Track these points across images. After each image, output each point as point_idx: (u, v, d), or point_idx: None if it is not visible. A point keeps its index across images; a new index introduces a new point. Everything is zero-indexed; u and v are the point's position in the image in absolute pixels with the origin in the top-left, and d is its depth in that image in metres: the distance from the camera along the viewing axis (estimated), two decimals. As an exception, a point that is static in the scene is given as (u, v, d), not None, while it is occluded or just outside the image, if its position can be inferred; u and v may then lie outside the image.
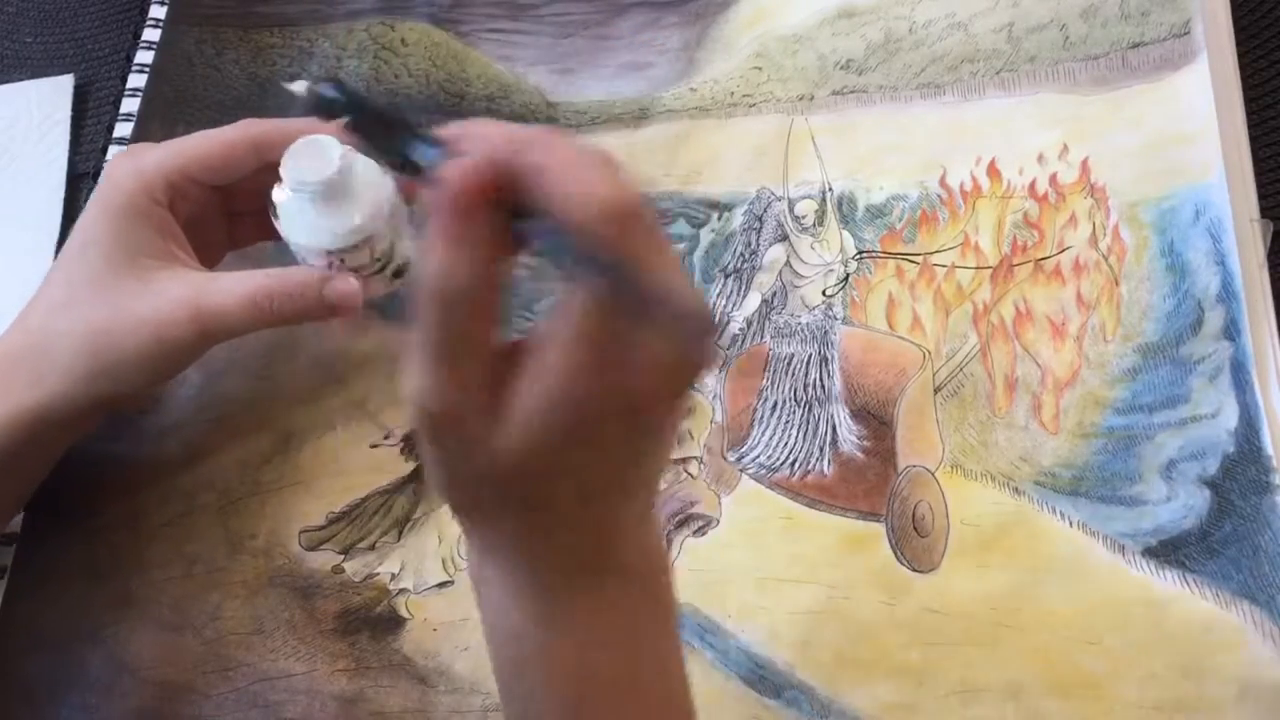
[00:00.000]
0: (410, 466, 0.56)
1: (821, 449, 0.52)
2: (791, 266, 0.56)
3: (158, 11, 0.69)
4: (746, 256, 0.56)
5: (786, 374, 0.54)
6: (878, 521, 0.50)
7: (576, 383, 0.31)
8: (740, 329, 0.55)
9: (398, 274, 0.52)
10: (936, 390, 0.52)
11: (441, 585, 0.53)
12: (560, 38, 0.63)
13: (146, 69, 0.68)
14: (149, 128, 0.65)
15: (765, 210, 0.57)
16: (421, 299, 0.32)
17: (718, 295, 0.56)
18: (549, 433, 0.32)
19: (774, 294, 0.55)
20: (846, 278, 0.55)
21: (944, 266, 0.54)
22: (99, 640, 0.54)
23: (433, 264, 0.31)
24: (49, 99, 0.68)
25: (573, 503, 0.34)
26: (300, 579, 0.54)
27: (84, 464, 0.58)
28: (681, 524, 0.52)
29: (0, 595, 0.56)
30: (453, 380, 0.32)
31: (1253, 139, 0.52)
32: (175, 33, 0.68)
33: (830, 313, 0.54)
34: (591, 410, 0.32)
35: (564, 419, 0.32)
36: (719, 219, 0.57)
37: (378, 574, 0.54)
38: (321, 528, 0.55)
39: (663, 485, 0.53)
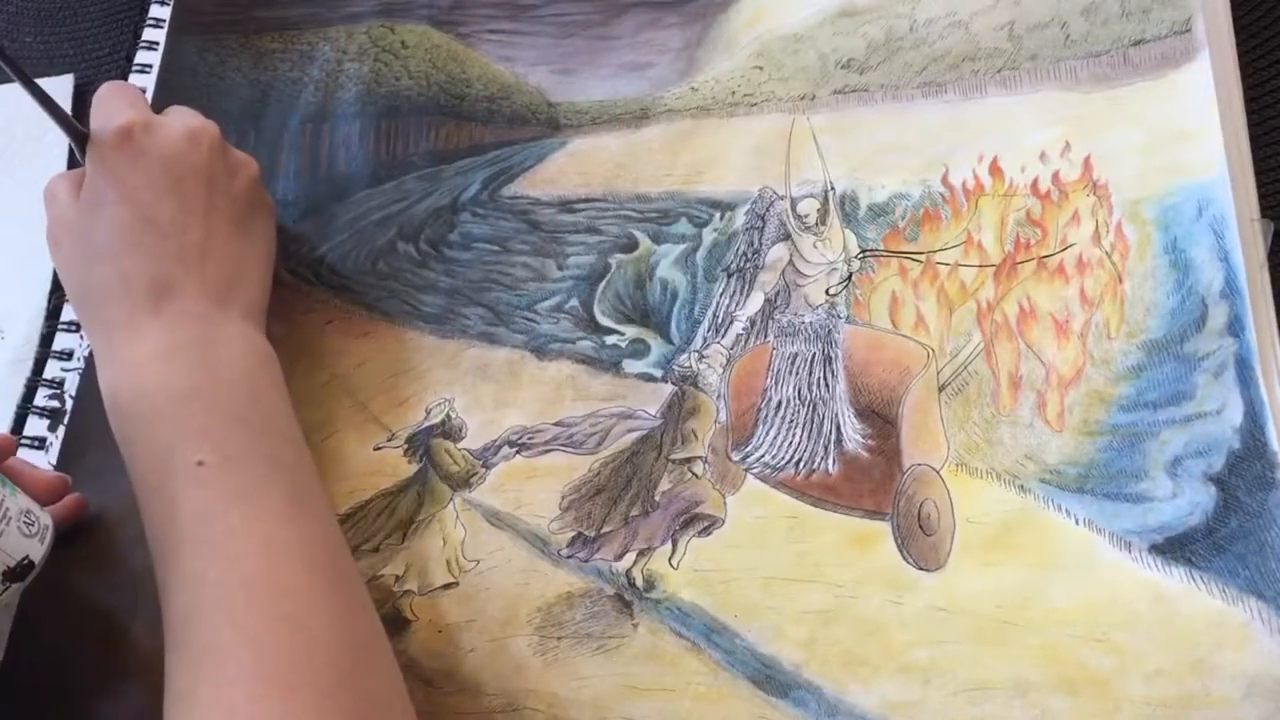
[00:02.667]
0: (414, 468, 0.56)
1: (826, 448, 0.52)
2: (794, 265, 0.56)
3: (158, 11, 0.69)
4: (749, 256, 0.56)
5: (790, 373, 0.54)
6: (883, 520, 0.50)
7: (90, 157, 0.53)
8: (744, 328, 0.55)
9: (13, 576, 0.50)
10: (941, 388, 0.51)
11: (446, 587, 0.53)
12: (561, 38, 0.63)
13: (147, 69, 0.68)
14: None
15: (768, 209, 0.57)
16: None
17: (721, 295, 0.56)
18: (87, 198, 0.52)
19: (777, 293, 0.55)
20: (850, 276, 0.55)
21: (947, 265, 0.54)
22: (105, 645, 0.54)
23: None
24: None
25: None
26: (304, 582, 0.54)
27: (90, 472, 0.58)
28: (687, 524, 0.52)
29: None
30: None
31: (1253, 139, 0.52)
32: (178, 44, 0.68)
33: (834, 311, 0.54)
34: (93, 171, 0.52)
35: (96, 184, 0.52)
36: (721, 218, 0.57)
37: (382, 576, 0.54)
38: (325, 530, 0.55)
39: (668, 485, 0.53)
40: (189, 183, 0.53)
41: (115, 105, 0.54)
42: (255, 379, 0.51)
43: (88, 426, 0.59)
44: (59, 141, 0.66)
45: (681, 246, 0.57)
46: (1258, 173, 0.51)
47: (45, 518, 0.52)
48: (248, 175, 0.57)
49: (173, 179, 0.52)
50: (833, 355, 0.53)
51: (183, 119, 0.55)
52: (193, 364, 0.49)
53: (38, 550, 0.50)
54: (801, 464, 0.52)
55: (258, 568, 0.43)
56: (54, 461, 0.59)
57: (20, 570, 0.49)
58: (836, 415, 0.52)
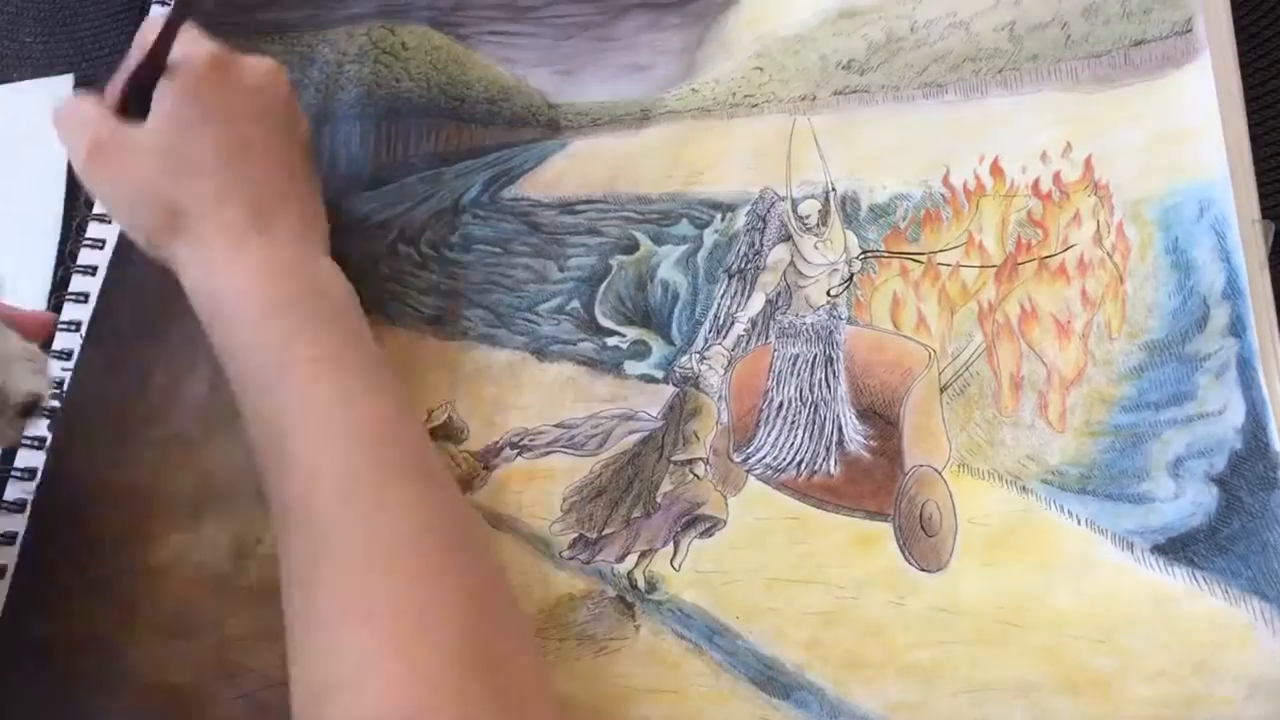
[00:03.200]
0: (415, 470, 0.55)
1: (828, 449, 0.52)
2: (795, 267, 0.56)
3: (158, 12, 0.69)
4: (750, 257, 0.56)
5: (792, 374, 0.54)
6: (885, 521, 0.50)
7: (165, 86, 0.54)
8: (745, 330, 0.55)
9: (25, 412, 0.50)
10: (942, 389, 0.51)
11: (448, 589, 0.53)
12: (561, 39, 0.63)
13: (146, 71, 0.67)
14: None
15: (769, 210, 0.57)
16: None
17: (722, 296, 0.56)
18: (163, 111, 0.53)
19: (778, 294, 0.55)
20: (851, 277, 0.55)
21: (948, 265, 0.54)
22: (102, 645, 0.54)
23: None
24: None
25: (211, 170, 0.53)
26: (306, 584, 0.54)
27: (88, 469, 0.58)
28: (688, 525, 0.52)
29: (2, 597, 0.56)
30: (96, 115, 0.54)
31: (1253, 139, 0.52)
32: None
33: (835, 313, 0.54)
34: (179, 92, 0.53)
35: (167, 100, 0.53)
36: (722, 219, 0.57)
37: (383, 578, 0.53)
38: (326, 532, 0.55)
39: (669, 486, 0.53)
40: (273, 118, 0.56)
41: (197, 37, 0.55)
42: (350, 305, 0.53)
43: (82, 420, 0.59)
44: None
45: (682, 248, 0.57)
46: (1259, 173, 0.51)
47: (43, 355, 0.53)
48: (307, 124, 0.59)
49: (260, 110, 0.55)
50: (834, 356, 0.53)
51: (259, 58, 0.57)
52: (299, 278, 0.52)
53: (43, 386, 0.51)
54: (803, 465, 0.52)
55: (368, 456, 0.47)
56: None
57: (30, 405, 0.50)
58: (838, 416, 0.52)
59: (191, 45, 0.55)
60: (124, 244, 0.63)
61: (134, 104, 0.54)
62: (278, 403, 0.48)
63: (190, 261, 0.53)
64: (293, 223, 0.54)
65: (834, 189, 0.56)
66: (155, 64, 0.54)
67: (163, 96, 0.53)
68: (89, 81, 0.70)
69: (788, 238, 0.56)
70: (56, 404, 0.60)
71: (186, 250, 0.53)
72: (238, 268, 0.51)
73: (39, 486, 0.59)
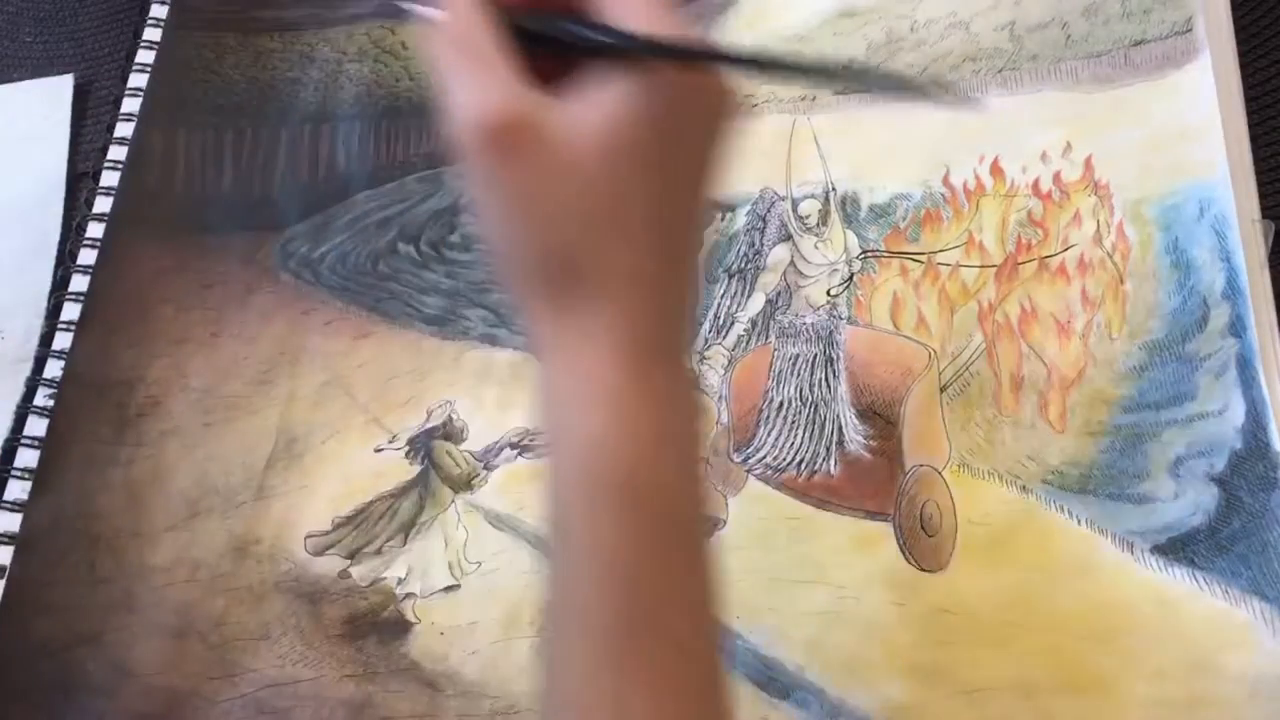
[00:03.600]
0: (416, 470, 0.55)
1: (828, 449, 0.52)
2: (796, 266, 0.56)
3: (158, 11, 0.69)
4: (750, 257, 0.56)
5: (792, 374, 0.53)
6: (885, 521, 0.50)
7: (649, 83, 0.33)
8: (745, 329, 0.55)
9: None
10: (942, 389, 0.51)
11: (448, 589, 0.53)
12: (561, 39, 0.63)
13: (147, 69, 0.67)
14: (149, 131, 0.65)
15: (769, 210, 0.57)
16: (432, 35, 0.34)
17: (722, 296, 0.56)
18: (628, 115, 0.33)
19: (778, 294, 0.55)
20: (851, 277, 0.55)
21: (948, 265, 0.54)
22: (101, 644, 0.54)
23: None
24: (49, 99, 0.68)
25: (648, 229, 0.34)
26: (306, 584, 0.54)
27: (87, 468, 0.58)
28: (689, 525, 0.52)
29: (0, 596, 0.56)
30: (496, 75, 0.33)
31: (1253, 139, 0.52)
32: (175, 38, 0.68)
33: (835, 312, 0.54)
34: (663, 107, 0.33)
35: (641, 104, 0.33)
36: (723, 219, 0.57)
37: (384, 578, 0.53)
38: (327, 532, 0.55)
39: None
40: (709, 180, 0.37)
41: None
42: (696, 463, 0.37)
43: (75, 413, 0.59)
44: (59, 141, 0.66)
45: (683, 247, 0.57)
46: (1258, 173, 0.51)
47: None
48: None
49: (704, 163, 0.36)
50: (834, 356, 0.53)
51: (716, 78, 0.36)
52: (696, 451, 0.37)
53: None
54: (803, 465, 0.52)
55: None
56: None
57: None
58: (838, 416, 0.52)
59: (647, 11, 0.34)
60: (119, 234, 0.63)
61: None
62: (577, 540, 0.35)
63: (556, 372, 0.35)
64: (687, 335, 0.38)
65: (834, 189, 0.56)
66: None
67: (614, 88, 0.33)
68: (89, 82, 0.69)
69: (788, 237, 0.56)
70: (52, 402, 0.60)
71: (555, 345, 0.35)
72: (622, 394, 0.34)
73: (34, 484, 0.58)
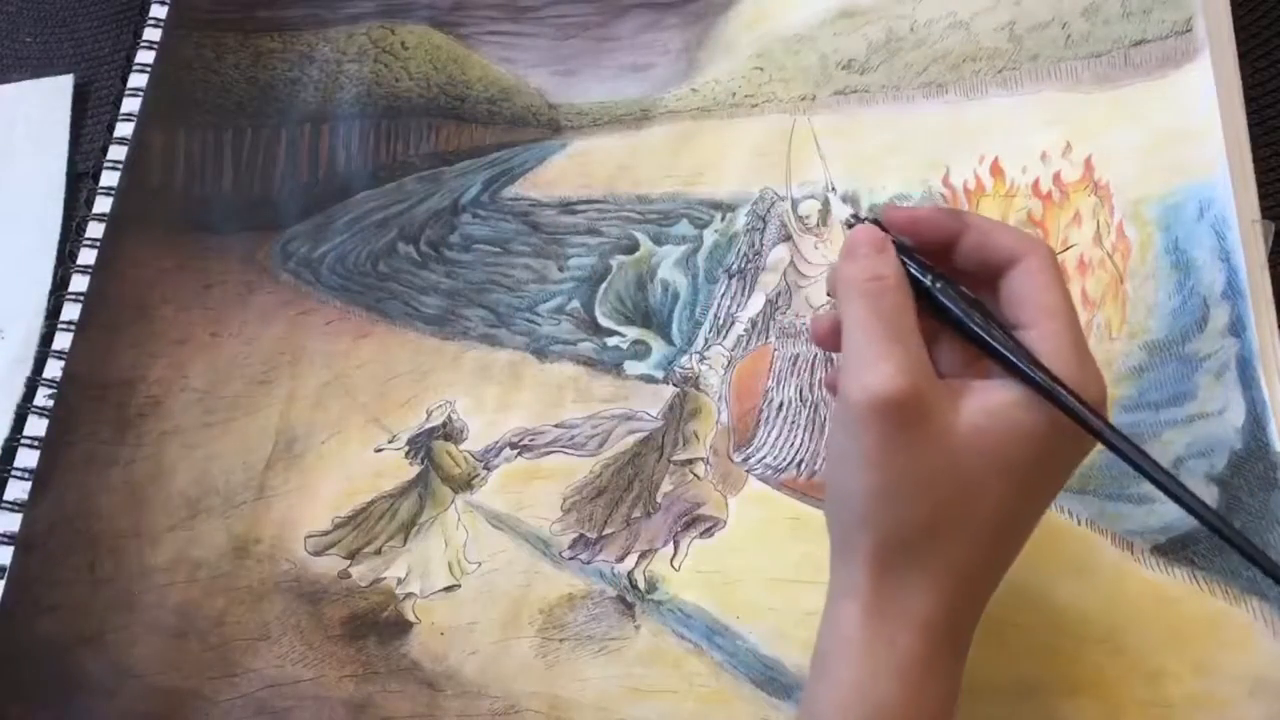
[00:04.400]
0: (416, 470, 0.55)
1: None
2: (796, 267, 0.56)
3: (158, 11, 0.69)
4: (750, 257, 0.56)
5: (792, 374, 0.54)
6: (885, 521, 0.50)
7: (1039, 402, 0.35)
8: (745, 330, 0.55)
9: None
10: (943, 389, 0.51)
11: (448, 589, 0.53)
12: (561, 39, 0.63)
13: (147, 69, 0.67)
14: (149, 131, 0.65)
15: (769, 210, 0.57)
16: (858, 292, 0.37)
17: (722, 296, 0.56)
18: (1010, 426, 0.35)
19: (779, 294, 0.55)
20: (851, 277, 0.55)
21: (948, 266, 0.54)
22: (102, 645, 0.54)
23: (860, 262, 0.38)
24: (49, 99, 0.68)
25: (990, 531, 0.36)
26: (306, 584, 0.54)
27: (87, 468, 0.58)
28: (689, 526, 0.52)
29: (0, 596, 0.56)
30: (910, 355, 0.36)
31: (1253, 139, 0.52)
32: (174, 37, 0.68)
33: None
34: (1045, 428, 0.35)
35: (1026, 421, 0.35)
36: (722, 220, 0.57)
37: (384, 578, 0.54)
38: (327, 532, 0.55)
39: (669, 486, 0.53)
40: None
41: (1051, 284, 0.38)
42: None
43: (75, 413, 0.59)
44: (59, 141, 0.66)
45: (682, 248, 0.57)
46: (1258, 173, 0.51)
47: None
48: None
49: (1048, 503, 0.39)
50: (834, 356, 0.53)
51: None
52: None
53: None
54: (803, 465, 0.52)
55: None
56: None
57: None
58: (838, 416, 0.52)
59: (1066, 341, 0.36)
60: (119, 235, 0.63)
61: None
62: None
63: (870, 637, 0.37)
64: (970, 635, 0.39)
65: (834, 189, 0.56)
66: (975, 273, 0.39)
67: (1007, 395, 0.36)
68: (89, 82, 0.69)
69: (788, 238, 0.56)
70: (52, 402, 0.60)
71: (875, 611, 0.37)
72: (917, 671, 0.36)
73: (34, 484, 0.58)
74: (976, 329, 0.37)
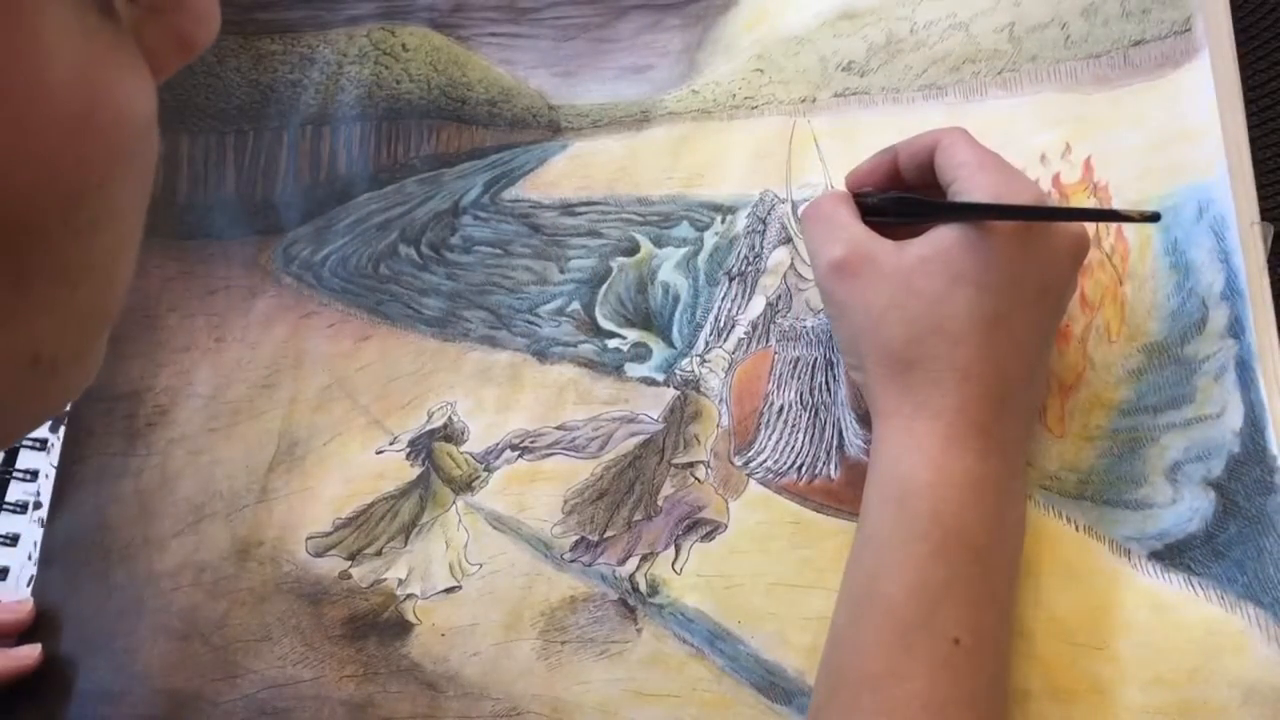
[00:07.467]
0: (417, 472, 0.56)
1: (828, 453, 0.52)
2: (796, 269, 0.56)
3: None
4: (751, 259, 0.56)
5: (792, 378, 0.54)
6: (884, 525, 0.50)
7: (977, 228, 0.45)
8: (746, 332, 0.55)
9: None
10: (942, 393, 0.51)
11: (449, 590, 0.53)
12: (561, 41, 0.63)
13: (146, 72, 0.67)
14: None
15: (769, 213, 0.57)
16: (808, 217, 0.50)
17: (722, 299, 0.56)
18: (949, 242, 0.45)
19: (779, 297, 0.55)
20: (851, 280, 0.55)
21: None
22: (109, 650, 0.54)
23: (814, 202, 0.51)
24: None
25: (974, 334, 0.44)
26: (308, 585, 0.54)
27: (100, 482, 0.58)
28: (689, 529, 0.52)
29: (6, 597, 0.56)
30: (848, 233, 0.48)
31: (1252, 140, 0.52)
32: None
33: (835, 316, 0.54)
34: (991, 241, 0.45)
35: (964, 239, 0.45)
36: (722, 222, 0.57)
37: (385, 579, 0.54)
38: (328, 534, 0.55)
39: (670, 489, 0.53)
40: (1055, 297, 0.47)
41: (982, 163, 0.47)
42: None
43: (88, 428, 0.60)
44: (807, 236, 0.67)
45: (683, 250, 0.57)
46: (1258, 175, 0.51)
47: None
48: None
49: (1045, 285, 0.47)
50: (834, 360, 0.53)
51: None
52: (1003, 505, 0.45)
53: None
54: (804, 469, 0.52)
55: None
56: (55, 463, 0.59)
57: None
58: (839, 420, 0.52)
59: (984, 175, 0.46)
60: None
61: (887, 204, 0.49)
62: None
63: (892, 431, 0.46)
64: (1018, 430, 0.46)
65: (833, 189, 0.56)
66: (920, 176, 0.49)
67: (941, 230, 0.45)
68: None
69: (788, 240, 0.56)
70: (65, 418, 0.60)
71: (894, 411, 0.46)
72: (937, 449, 0.44)
73: (52, 502, 0.59)
74: (907, 196, 0.49)
